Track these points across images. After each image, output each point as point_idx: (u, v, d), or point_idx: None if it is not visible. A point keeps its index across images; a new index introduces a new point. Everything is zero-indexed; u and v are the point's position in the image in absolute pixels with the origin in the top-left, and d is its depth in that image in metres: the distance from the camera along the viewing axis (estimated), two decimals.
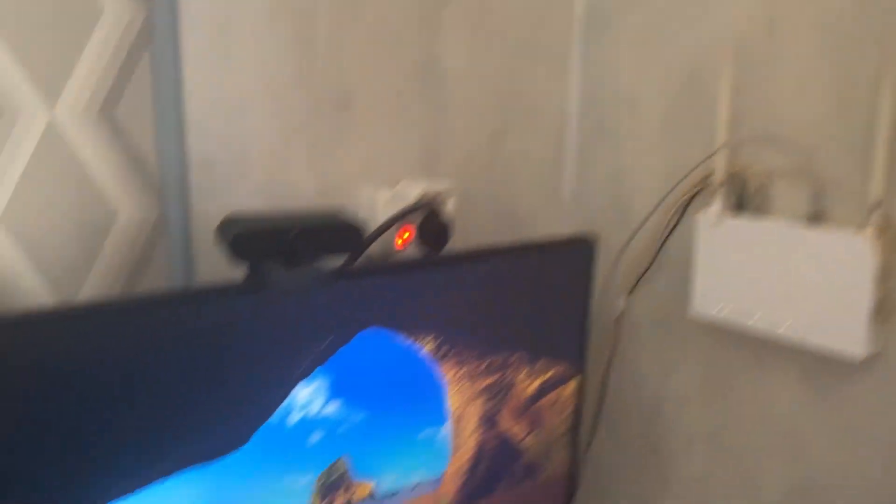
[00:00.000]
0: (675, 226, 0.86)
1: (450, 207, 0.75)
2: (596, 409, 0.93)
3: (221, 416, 0.57)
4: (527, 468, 0.76)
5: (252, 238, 0.54)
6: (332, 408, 0.62)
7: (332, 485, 0.64)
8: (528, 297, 0.72)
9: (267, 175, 0.72)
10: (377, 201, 0.75)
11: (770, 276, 0.74)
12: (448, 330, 0.67)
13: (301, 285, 0.57)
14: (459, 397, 0.69)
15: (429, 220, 0.72)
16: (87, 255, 0.64)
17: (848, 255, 0.67)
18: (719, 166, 0.79)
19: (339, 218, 0.58)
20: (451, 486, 0.71)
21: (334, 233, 0.58)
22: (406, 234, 0.72)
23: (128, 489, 0.54)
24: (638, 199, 0.90)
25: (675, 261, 0.86)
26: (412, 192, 0.73)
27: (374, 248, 0.72)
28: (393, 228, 0.71)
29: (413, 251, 0.74)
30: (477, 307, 0.69)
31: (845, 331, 0.67)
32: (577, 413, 0.79)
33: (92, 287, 0.64)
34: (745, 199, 0.79)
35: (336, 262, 0.61)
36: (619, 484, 0.94)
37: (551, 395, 0.76)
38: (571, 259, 0.75)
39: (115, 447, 0.53)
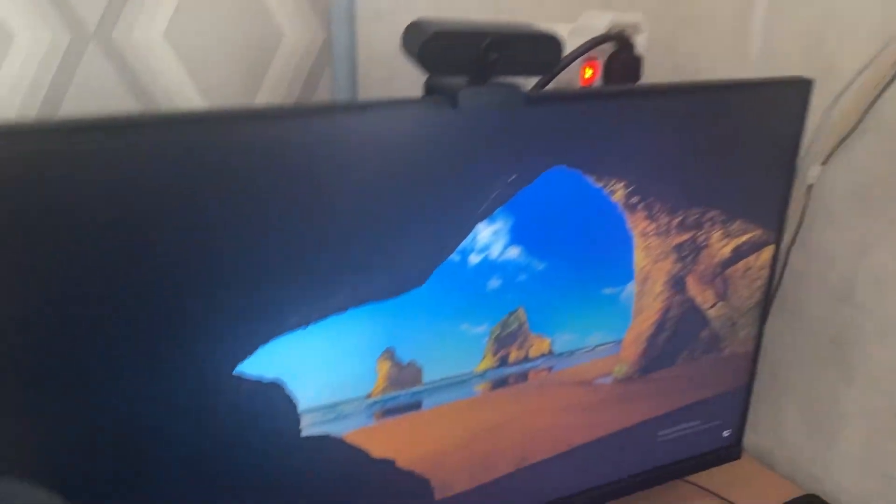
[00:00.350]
0: (889, 82, 0.74)
1: (641, 42, 0.65)
2: (774, 286, 0.84)
3: (400, 250, 0.52)
4: (710, 341, 0.68)
5: (443, 44, 0.47)
6: (513, 253, 0.56)
7: (508, 337, 0.59)
8: (728, 146, 0.62)
9: (434, 1, 0.64)
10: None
11: None
12: (641, 176, 0.59)
13: (489, 103, 0.50)
14: (647, 255, 0.62)
15: (619, 54, 0.63)
16: (251, 78, 0.59)
17: None
18: None
19: (536, 29, 0.50)
20: (630, 352, 0.65)
21: (530, 44, 0.50)
22: (592, 69, 0.64)
23: (303, 322, 0.50)
24: (840, 54, 0.77)
25: (887, 123, 0.74)
26: (598, 24, 0.64)
27: (557, 85, 0.64)
28: (577, 62, 0.63)
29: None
30: (673, 153, 0.60)
31: None
32: (769, 285, 0.70)
33: None
34: None
35: (525, 85, 0.53)
36: (794, 371, 0.86)
37: (744, 263, 0.67)
38: (781, 105, 0.64)
39: (292, 276, 0.49)
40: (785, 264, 0.83)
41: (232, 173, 0.45)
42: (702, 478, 0.84)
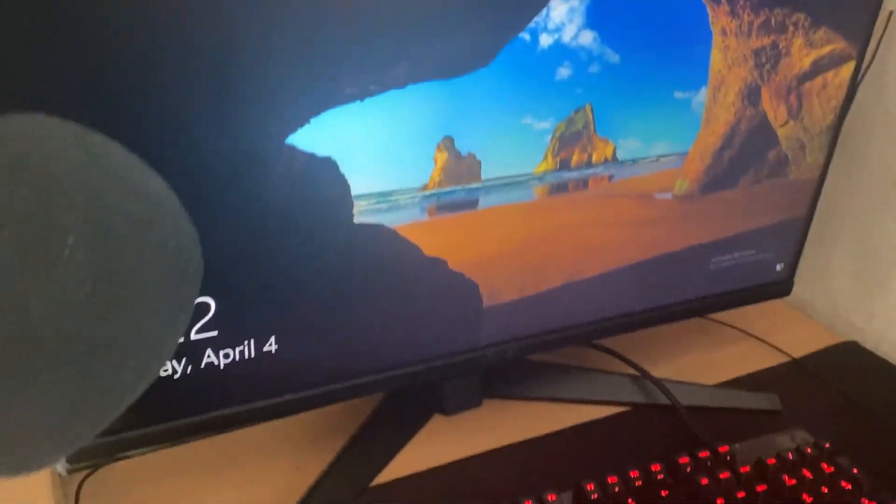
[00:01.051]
0: None
1: None
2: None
3: (467, 20, 0.47)
4: (776, 164, 0.64)
5: None
6: (587, 38, 0.51)
7: (572, 137, 0.55)
8: None
9: None
10: None
11: None
12: None
13: None
14: (724, 57, 0.57)
15: None
16: None
17: None
18: None
19: None
20: (694, 167, 0.61)
21: None
22: None
23: (358, 94, 0.46)
24: None
25: None
26: None
27: None
28: None
29: None
30: None
31: None
32: (846, 107, 0.66)
33: None
34: None
35: None
36: (848, 214, 0.82)
37: (822, 78, 0.62)
38: None
39: (348, 37, 0.44)
40: (851, 98, 0.78)
41: None
42: (738, 321, 0.82)
